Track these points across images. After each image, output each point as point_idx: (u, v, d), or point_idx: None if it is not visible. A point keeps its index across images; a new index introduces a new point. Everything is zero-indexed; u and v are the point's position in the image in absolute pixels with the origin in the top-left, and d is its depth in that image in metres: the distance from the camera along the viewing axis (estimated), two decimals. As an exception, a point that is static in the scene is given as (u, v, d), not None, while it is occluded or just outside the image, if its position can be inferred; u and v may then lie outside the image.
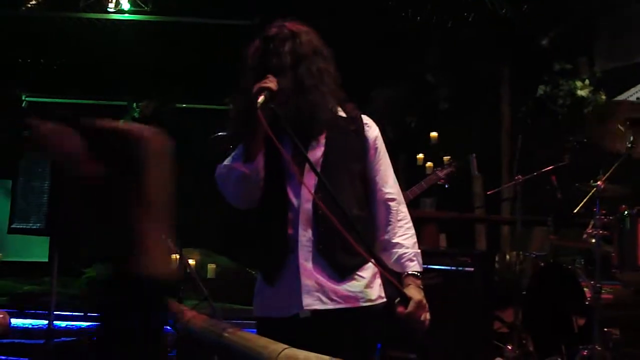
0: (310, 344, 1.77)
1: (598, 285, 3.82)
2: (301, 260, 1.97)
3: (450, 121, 7.27)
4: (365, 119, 2.16)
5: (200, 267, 7.16)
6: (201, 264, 7.35)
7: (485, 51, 7.10)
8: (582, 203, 4.22)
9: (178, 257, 4.55)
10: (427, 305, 2.01)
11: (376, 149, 2.13)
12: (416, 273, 2.07)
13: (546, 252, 4.87)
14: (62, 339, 4.67)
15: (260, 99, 1.88)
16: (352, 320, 1.99)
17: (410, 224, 2.15)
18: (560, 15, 6.85)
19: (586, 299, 4.00)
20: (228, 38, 7.58)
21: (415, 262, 2.08)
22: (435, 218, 6.40)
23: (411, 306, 1.96)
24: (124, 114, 8.94)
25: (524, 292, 4.47)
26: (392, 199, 2.13)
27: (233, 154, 2.06)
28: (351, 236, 1.85)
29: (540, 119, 6.64)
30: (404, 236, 2.11)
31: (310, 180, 1.99)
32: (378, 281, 2.06)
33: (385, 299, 2.05)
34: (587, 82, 6.63)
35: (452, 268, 4.26)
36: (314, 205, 1.98)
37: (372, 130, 2.14)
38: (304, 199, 2.00)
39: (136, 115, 8.74)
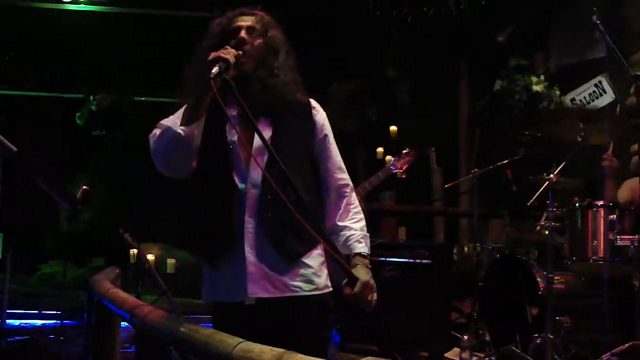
0: (258, 331, 1.78)
1: (550, 275, 3.91)
2: (246, 247, 1.94)
3: (409, 115, 7.34)
4: (313, 103, 2.12)
5: (160, 262, 7.08)
6: (161, 258, 7.27)
7: (444, 46, 7.19)
8: (535, 196, 4.32)
9: (136, 251, 4.50)
10: (374, 286, 2.00)
11: (325, 134, 2.11)
12: (364, 253, 2.05)
13: (502, 244, 4.98)
14: (15, 337, 4.58)
15: (215, 69, 1.85)
16: (298, 308, 1.97)
17: (360, 210, 2.13)
18: (516, 11, 6.97)
19: (539, 289, 4.11)
20: (186, 30, 7.50)
21: (364, 244, 2.07)
22: (394, 211, 6.46)
23: (358, 287, 1.94)
24: (80, 106, 8.77)
25: (480, 283, 4.56)
26: (346, 185, 2.12)
27: (171, 116, 2.00)
28: (298, 222, 1.81)
29: (497, 113, 6.76)
30: (353, 220, 2.09)
31: (259, 161, 1.93)
32: (325, 270, 2.05)
33: (331, 289, 2.04)
34: (542, 77, 6.77)
35: (411, 260, 4.33)
36: (262, 189, 1.94)
37: (320, 114, 2.12)
38: (251, 183, 1.95)
39: (93, 108, 8.59)
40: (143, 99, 9.01)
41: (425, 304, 4.30)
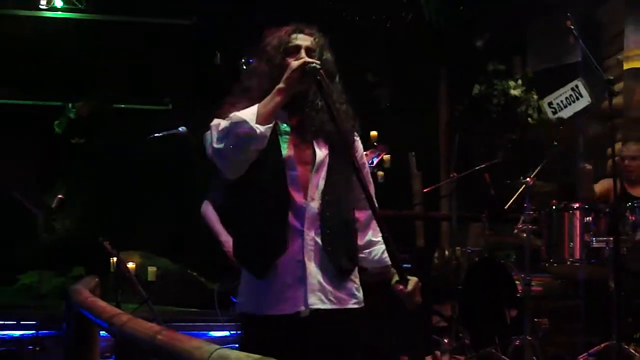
0: (304, 340, 1.95)
1: (528, 278, 3.96)
2: (307, 260, 1.99)
3: (389, 120, 7.37)
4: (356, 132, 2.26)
5: (141, 270, 7.04)
6: (142, 266, 7.23)
7: (423, 51, 7.24)
8: (513, 199, 4.37)
9: (116, 260, 4.47)
10: (421, 287, 2.11)
11: (364, 162, 2.25)
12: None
13: (481, 248, 5.02)
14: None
15: (313, 65, 1.93)
16: (344, 320, 2.05)
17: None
18: (494, 17, 7.05)
19: (517, 291, 4.16)
20: (166, 37, 7.49)
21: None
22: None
23: (411, 285, 2.04)
24: (59, 114, 8.70)
25: (460, 287, 4.59)
26: (377, 209, 2.25)
27: (244, 108, 1.98)
28: (349, 240, 2.04)
29: (476, 117, 6.82)
30: (380, 236, 2.20)
31: (316, 178, 2.03)
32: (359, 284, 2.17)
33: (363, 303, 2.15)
34: (519, 82, 6.84)
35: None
36: (321, 205, 2.02)
37: (359, 143, 2.23)
38: (310, 197, 2.02)
39: (72, 116, 8.52)
40: (123, 106, 8.97)
41: (406, 308, 4.32)
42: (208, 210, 3.80)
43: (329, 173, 2.04)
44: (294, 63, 1.98)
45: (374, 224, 2.18)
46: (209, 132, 2.02)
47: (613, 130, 5.09)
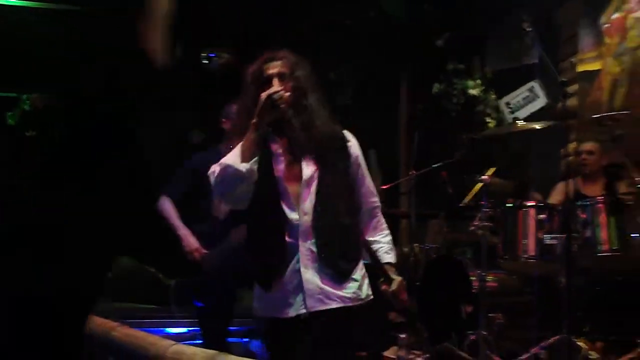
0: (309, 340, 2.15)
1: (483, 274, 4.04)
2: (302, 268, 2.18)
3: (350, 117, 7.40)
4: (348, 135, 2.36)
5: (98, 266, 6.90)
6: (98, 262, 7.09)
7: (385, 49, 7.28)
8: (469, 197, 4.44)
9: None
10: (406, 285, 2.32)
11: (359, 163, 2.35)
12: (392, 262, 2.37)
13: (439, 245, 5.10)
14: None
15: (276, 95, 2.10)
16: (346, 317, 2.22)
17: (386, 227, 2.44)
18: (454, 17, 7.13)
19: (473, 287, 4.24)
20: (128, 29, 7.37)
21: (392, 255, 2.39)
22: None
23: (395, 284, 2.27)
24: (13, 106, 8.47)
25: (418, 283, 4.66)
26: (377, 207, 2.41)
27: (230, 153, 2.20)
28: (347, 243, 2.20)
29: (436, 116, 6.89)
30: (381, 235, 2.39)
31: (306, 193, 2.20)
32: (366, 280, 2.31)
33: (372, 296, 2.31)
34: (478, 81, 6.94)
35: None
36: (313, 217, 2.19)
37: (354, 146, 2.37)
38: (303, 212, 2.19)
39: (27, 108, 8.31)
40: (80, 98, 8.77)
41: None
42: (166, 204, 3.77)
43: (319, 186, 2.20)
44: (262, 96, 2.14)
45: (374, 222, 2.37)
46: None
47: (567, 131, 5.25)
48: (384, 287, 2.26)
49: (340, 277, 2.21)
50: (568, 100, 6.09)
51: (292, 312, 2.20)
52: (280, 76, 2.25)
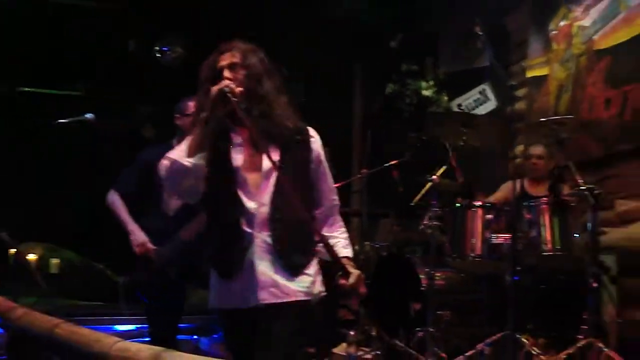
0: (261, 332, 2.15)
1: (432, 272, 4.11)
2: (256, 259, 2.18)
3: (303, 115, 7.42)
4: (311, 131, 2.36)
5: (43, 262, 6.75)
6: (44, 258, 6.93)
7: (339, 48, 7.31)
8: (418, 196, 4.52)
9: (14, 251, 4.28)
10: (364, 279, 2.29)
11: (320, 160, 2.35)
12: (349, 256, 2.37)
13: (389, 243, 5.17)
14: None
15: (225, 88, 2.09)
16: (299, 311, 2.20)
17: (343, 225, 2.45)
18: (408, 18, 7.21)
19: (422, 285, 4.31)
20: (75, 19, 7.18)
21: (349, 249, 2.39)
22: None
23: (352, 278, 2.22)
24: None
25: (368, 281, 4.70)
26: (336, 205, 2.43)
27: (178, 147, 2.21)
28: (303, 237, 2.19)
29: (389, 116, 6.97)
30: (338, 231, 2.41)
31: (265, 184, 2.20)
32: (319, 277, 2.31)
33: (325, 293, 2.31)
34: (431, 82, 7.05)
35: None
36: (271, 209, 2.19)
37: (317, 142, 2.36)
38: (260, 203, 2.19)
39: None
40: (29, 90, 8.52)
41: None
42: (115, 199, 3.71)
43: (279, 177, 2.18)
44: (212, 90, 2.14)
45: (332, 219, 2.38)
46: None
47: (514, 134, 5.38)
48: (341, 281, 2.24)
49: (294, 270, 2.22)
50: (517, 103, 6.26)
51: (244, 304, 2.19)
52: (232, 67, 2.23)
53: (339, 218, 2.43)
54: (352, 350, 4.35)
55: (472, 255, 4.10)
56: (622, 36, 4.98)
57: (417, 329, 4.18)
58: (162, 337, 3.49)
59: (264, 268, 2.18)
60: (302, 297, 2.21)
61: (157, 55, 7.08)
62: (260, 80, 2.23)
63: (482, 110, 6.85)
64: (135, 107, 7.51)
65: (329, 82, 7.34)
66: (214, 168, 2.18)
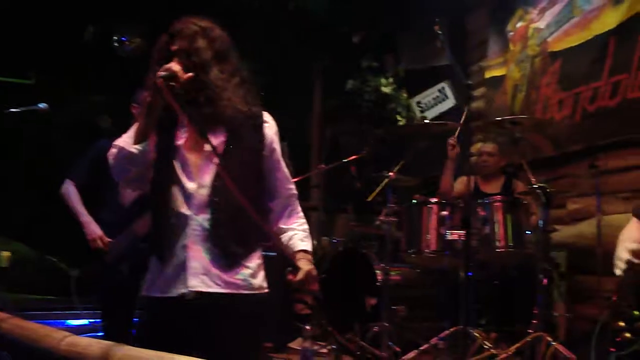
0: (193, 324, 2.00)
1: (387, 267, 4.16)
2: (190, 243, 2.04)
3: (263, 109, 7.38)
4: (266, 116, 2.23)
5: (-7, 255, 6.56)
6: (-6, 251, 6.74)
7: (300, 42, 7.31)
8: (375, 192, 4.56)
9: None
10: (315, 275, 2.16)
11: (274, 147, 2.22)
12: (306, 250, 2.22)
13: (346, 238, 5.20)
14: None
15: (162, 73, 1.98)
16: (234, 306, 2.05)
17: (303, 216, 2.30)
18: (370, 15, 7.25)
19: (377, 280, 4.35)
20: (34, 7, 7.00)
21: (306, 242, 2.23)
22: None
23: (300, 274, 2.10)
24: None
25: (324, 276, 4.73)
26: (292, 195, 2.28)
27: (125, 134, 2.12)
28: (244, 225, 2.03)
29: (348, 112, 7.01)
30: (297, 223, 2.25)
31: (207, 165, 2.08)
32: (262, 272, 2.16)
33: (267, 290, 2.16)
34: (391, 80, 7.11)
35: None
36: (210, 191, 2.06)
37: (271, 128, 2.22)
38: (199, 184, 2.07)
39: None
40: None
41: (269, 295, 4.39)
42: (69, 189, 3.64)
43: (223, 160, 2.07)
44: (150, 77, 2.06)
45: (289, 210, 2.25)
46: None
47: (470, 132, 5.48)
48: (290, 276, 2.14)
49: (229, 260, 2.06)
50: (474, 102, 6.36)
51: (174, 291, 2.04)
52: (179, 52, 2.11)
53: (297, 209, 2.28)
54: (307, 344, 4.36)
55: (427, 251, 4.16)
56: (575, 40, 5.12)
57: (372, 323, 4.22)
58: (116, 331, 3.44)
59: (197, 253, 2.04)
60: (235, 290, 2.06)
61: (115, 45, 6.96)
62: (206, 65, 2.09)
63: (440, 108, 6.96)
64: (91, 97, 7.36)
65: (288, 78, 7.33)
66: (159, 153, 2.10)
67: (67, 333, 1.69)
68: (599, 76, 4.76)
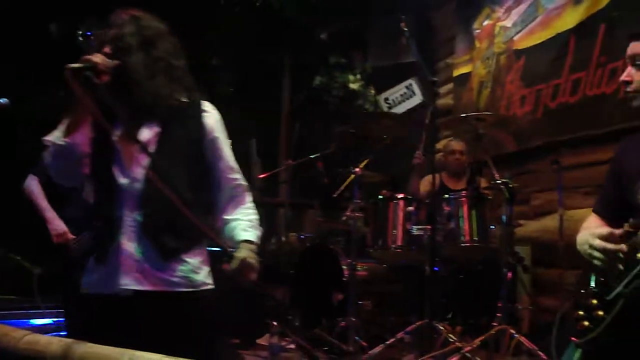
0: (131, 324, 1.92)
1: (354, 263, 4.18)
2: (124, 240, 1.98)
3: (231, 105, 7.36)
4: (206, 105, 2.16)
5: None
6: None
7: (269, 39, 7.30)
8: (342, 188, 4.58)
9: None
10: (252, 264, 2.06)
11: (215, 136, 2.14)
12: (250, 240, 2.11)
13: (314, 234, 5.22)
14: None
15: (75, 65, 1.91)
16: (173, 304, 1.99)
17: (252, 206, 2.20)
18: (338, 12, 7.27)
19: (344, 276, 4.38)
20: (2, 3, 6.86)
21: (250, 232, 2.13)
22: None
23: (234, 263, 2.02)
24: None
25: (292, 271, 4.74)
26: (238, 185, 2.18)
27: (58, 129, 2.06)
28: (180, 219, 1.93)
29: (316, 108, 7.03)
30: (242, 214, 2.16)
31: (141, 158, 2.02)
32: (206, 268, 2.09)
33: (212, 286, 2.08)
34: (358, 76, 7.15)
35: (220, 249, 4.38)
36: (144, 185, 2.00)
37: (211, 117, 2.15)
38: (132, 178, 2.01)
39: None
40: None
41: (237, 292, 4.38)
42: (32, 185, 3.59)
43: (157, 152, 2.02)
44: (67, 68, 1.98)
45: (236, 200, 2.16)
46: None
47: (436, 129, 5.54)
48: (225, 265, 2.04)
49: (165, 255, 2.00)
50: (440, 99, 6.43)
51: (109, 289, 1.98)
52: (108, 41, 2.05)
53: (244, 199, 2.19)
54: (275, 340, 4.37)
55: (393, 246, 4.19)
56: (538, 38, 5.22)
57: (340, 318, 4.24)
58: (80, 330, 3.40)
59: (131, 250, 1.98)
60: (172, 288, 1.99)
61: (80, 40, 6.84)
62: (130, 51, 2.03)
63: (407, 105, 7.01)
64: (56, 93, 7.24)
65: (257, 74, 7.32)
66: (94, 147, 2.05)
67: (26, 331, 1.67)
68: (560, 74, 4.86)
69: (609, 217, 2.16)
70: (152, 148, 2.03)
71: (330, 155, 4.97)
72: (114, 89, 2.00)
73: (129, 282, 1.97)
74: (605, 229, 1.98)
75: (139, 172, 2.01)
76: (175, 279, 2.01)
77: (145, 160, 2.01)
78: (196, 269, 2.05)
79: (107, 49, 2.03)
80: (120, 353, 1.48)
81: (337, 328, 4.25)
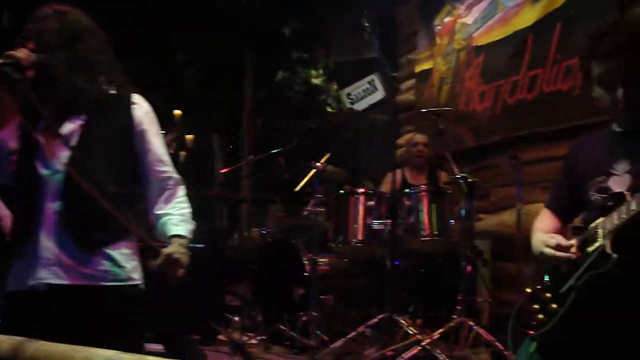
0: (50, 319, 1.88)
1: (315, 258, 4.19)
2: (43, 233, 1.94)
3: (195, 100, 7.29)
4: (136, 97, 2.12)
5: None
6: None
7: (232, 34, 7.25)
8: (302, 183, 4.58)
9: None
10: (179, 260, 2.00)
11: (143, 128, 2.09)
12: (180, 234, 2.06)
13: (276, 229, 5.21)
14: None
15: (9, 61, 1.86)
16: (95, 298, 1.95)
17: (185, 201, 2.15)
18: (300, 7, 7.26)
19: (305, 270, 4.38)
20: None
21: (181, 227, 2.08)
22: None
23: (159, 259, 1.97)
24: None
25: (254, 267, 4.72)
26: (168, 178, 2.13)
27: None
28: (102, 211, 1.88)
29: (278, 103, 7.01)
30: (174, 208, 2.11)
31: (62, 150, 1.97)
32: (133, 263, 2.04)
33: (138, 282, 2.04)
34: (321, 72, 7.15)
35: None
36: (64, 178, 1.96)
37: (140, 109, 2.11)
38: (53, 170, 1.98)
39: None
40: None
41: (199, 287, 4.35)
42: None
43: (80, 144, 1.99)
44: None
45: (167, 194, 2.11)
46: None
47: (397, 124, 5.58)
48: (150, 262, 2.01)
49: (84, 248, 1.96)
50: (401, 94, 6.48)
51: (26, 283, 1.93)
52: (31, 36, 2.00)
53: (177, 193, 2.14)
54: (236, 335, 4.35)
55: (354, 240, 4.20)
56: (497, 35, 5.29)
57: (301, 313, 4.25)
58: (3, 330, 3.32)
59: (48, 243, 1.93)
60: (94, 282, 1.95)
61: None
62: (52, 45, 1.99)
63: (369, 100, 7.04)
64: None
65: (219, 69, 7.26)
66: (19, 142, 2.02)
67: (-24, 330, 1.63)
68: (518, 70, 4.94)
69: (561, 212, 2.20)
70: (74, 141, 2.00)
71: (292, 150, 4.97)
72: (38, 84, 1.95)
73: (45, 276, 1.92)
74: (553, 241, 2.02)
75: (60, 164, 1.98)
76: (97, 273, 1.96)
77: (66, 153, 1.97)
78: (121, 263, 2.01)
79: (31, 45, 1.98)
80: (74, 350, 1.45)
81: (299, 322, 4.25)
